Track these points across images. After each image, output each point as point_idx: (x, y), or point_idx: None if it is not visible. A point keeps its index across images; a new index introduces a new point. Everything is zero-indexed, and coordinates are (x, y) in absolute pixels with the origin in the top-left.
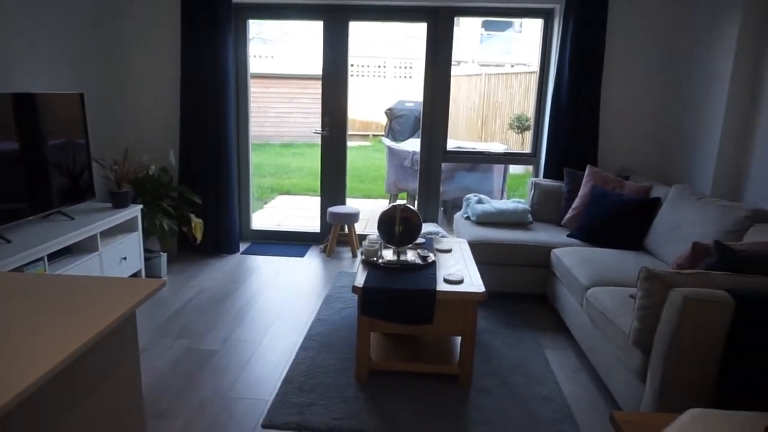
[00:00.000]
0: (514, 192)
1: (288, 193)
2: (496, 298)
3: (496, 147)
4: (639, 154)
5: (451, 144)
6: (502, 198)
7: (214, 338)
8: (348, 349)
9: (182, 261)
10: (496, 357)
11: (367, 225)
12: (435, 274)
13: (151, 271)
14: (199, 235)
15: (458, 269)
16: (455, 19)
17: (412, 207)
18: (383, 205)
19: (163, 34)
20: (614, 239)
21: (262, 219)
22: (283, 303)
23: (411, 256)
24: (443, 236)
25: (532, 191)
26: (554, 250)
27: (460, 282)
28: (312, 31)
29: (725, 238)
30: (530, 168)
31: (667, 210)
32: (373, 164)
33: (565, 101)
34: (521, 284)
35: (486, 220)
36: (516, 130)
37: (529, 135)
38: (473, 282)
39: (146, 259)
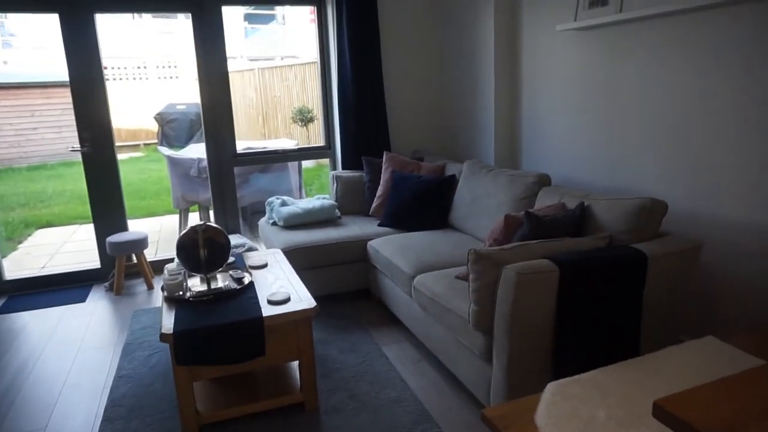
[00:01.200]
0: (310, 187)
1: (49, 225)
2: (320, 302)
3: (287, 143)
4: (428, 136)
5: (240, 145)
6: (301, 196)
7: None
8: (167, 406)
9: None
10: (337, 368)
11: (159, 248)
12: (256, 297)
13: None
14: None
15: (281, 285)
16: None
17: (214, 225)
18: (173, 222)
19: None
20: (422, 221)
21: (19, 264)
22: (67, 367)
23: (223, 280)
24: (251, 248)
25: (335, 185)
26: (370, 243)
27: (286, 301)
28: (50, 27)
29: (520, 204)
30: (322, 162)
31: (464, 185)
32: (151, 177)
33: (351, 90)
34: (343, 283)
35: (294, 222)
36: (300, 123)
37: (314, 127)
38: (301, 297)
39: None
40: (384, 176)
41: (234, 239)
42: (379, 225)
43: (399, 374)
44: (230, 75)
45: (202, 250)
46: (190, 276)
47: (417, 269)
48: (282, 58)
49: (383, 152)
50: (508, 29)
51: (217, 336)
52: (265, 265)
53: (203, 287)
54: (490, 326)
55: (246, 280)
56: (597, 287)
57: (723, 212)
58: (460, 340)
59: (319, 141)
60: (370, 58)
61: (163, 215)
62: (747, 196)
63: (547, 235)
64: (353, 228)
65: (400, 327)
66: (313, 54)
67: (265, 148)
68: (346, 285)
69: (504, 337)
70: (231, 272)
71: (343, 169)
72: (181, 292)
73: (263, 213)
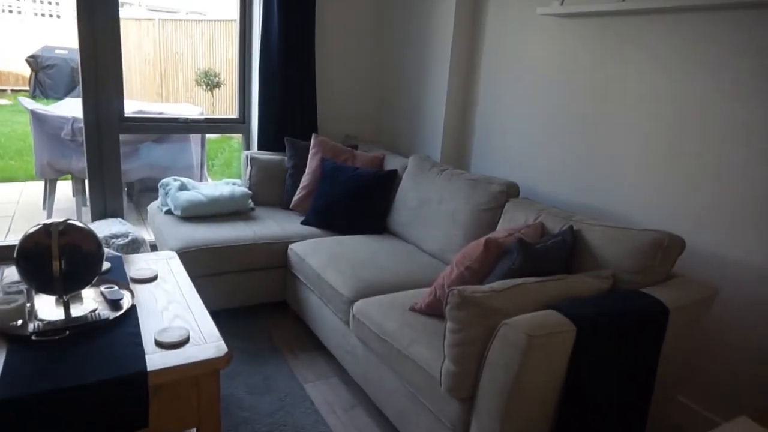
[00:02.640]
0: (213, 161)
1: None
2: (224, 318)
3: (189, 110)
4: (362, 121)
5: (130, 107)
6: (203, 176)
7: None
8: None
9: None
10: (247, 419)
11: (12, 227)
12: (139, 335)
13: None
14: None
15: (176, 314)
16: None
17: (80, 224)
18: (37, 192)
19: None
20: (355, 223)
21: None
22: None
23: (90, 303)
24: (135, 241)
25: (249, 168)
26: (291, 246)
27: (183, 342)
28: None
29: (481, 217)
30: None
31: (408, 184)
32: (15, 131)
33: (276, 59)
34: (253, 293)
35: (195, 213)
36: (204, 87)
37: (220, 93)
38: (205, 335)
39: None
40: (311, 163)
41: (113, 226)
42: (303, 223)
43: (329, 427)
44: (126, 23)
45: (57, 263)
46: (39, 294)
47: (357, 291)
48: (187, 13)
49: (311, 135)
50: (472, 9)
51: (71, 406)
52: (154, 278)
53: (58, 315)
54: (471, 393)
55: (125, 303)
56: (615, 348)
57: (729, 253)
58: (421, 400)
59: (230, 111)
60: (303, 24)
61: (25, 181)
62: (758, 237)
63: (539, 270)
64: (270, 225)
65: (327, 356)
66: (228, 11)
67: (162, 113)
68: (257, 296)
69: (495, 412)
70: (104, 289)
71: (259, 149)
72: (20, 322)
73: (154, 192)
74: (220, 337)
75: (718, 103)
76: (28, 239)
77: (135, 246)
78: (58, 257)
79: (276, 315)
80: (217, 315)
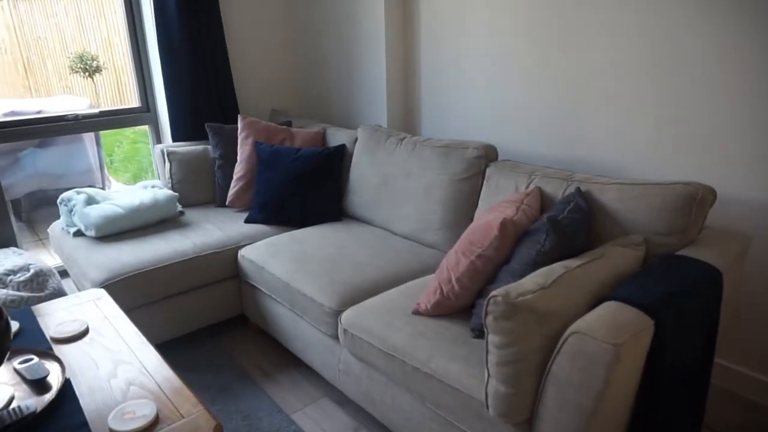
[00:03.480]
0: (111, 158)
1: None
2: (175, 350)
3: (73, 103)
4: (287, 94)
5: None
6: (104, 177)
7: None
8: None
9: None
10: None
11: None
12: (85, 423)
13: None
14: None
15: (129, 381)
16: None
17: None
18: None
19: None
20: (309, 213)
21: None
22: None
23: (2, 392)
24: (40, 274)
25: (167, 165)
26: (242, 252)
27: (152, 425)
28: None
29: (460, 187)
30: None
31: (362, 160)
32: None
33: (178, 33)
34: (205, 314)
35: (113, 229)
36: (82, 74)
37: (102, 79)
38: (178, 406)
39: None
40: (242, 150)
41: (6, 259)
42: (248, 221)
43: None
44: None
45: None
46: None
47: (341, 299)
48: None
49: (233, 117)
50: None
51: None
52: (84, 332)
53: None
54: (529, 416)
55: (54, 381)
56: (686, 330)
57: (731, 193)
58: (457, 425)
59: (118, 98)
60: None
61: None
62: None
63: (570, 249)
64: (209, 230)
65: (308, 372)
66: None
67: (40, 111)
68: (209, 316)
69: None
70: (18, 365)
71: (174, 140)
72: None
73: (50, 206)
74: (199, 402)
75: (718, 35)
76: None
77: (41, 280)
78: None
79: (236, 332)
80: (165, 347)
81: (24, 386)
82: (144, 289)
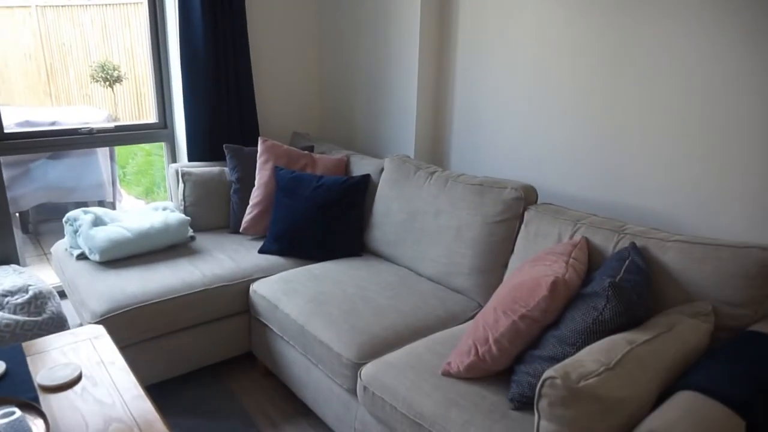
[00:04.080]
0: (124, 170)
1: None
2: (174, 389)
3: (90, 114)
4: (310, 116)
5: (12, 117)
6: (116, 192)
7: None
8: None
9: None
10: None
11: None
12: None
13: None
14: None
15: None
16: None
17: None
18: None
19: None
20: (328, 246)
21: None
22: None
23: None
24: (38, 297)
25: (181, 186)
26: (255, 287)
27: None
28: None
29: (494, 231)
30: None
31: (389, 194)
32: None
33: (203, 49)
34: (210, 352)
35: (119, 254)
36: (103, 83)
37: (122, 89)
38: None
39: None
40: (261, 175)
41: (5, 279)
42: (262, 251)
43: None
44: None
45: None
46: None
47: (360, 350)
48: None
49: (252, 139)
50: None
51: None
52: (76, 380)
53: None
54: None
55: None
56: None
57: None
58: None
59: (137, 109)
60: (230, 2)
61: None
62: None
63: (631, 318)
64: (220, 259)
65: (316, 422)
66: None
67: (55, 123)
68: (214, 353)
69: None
70: (0, 420)
71: (190, 160)
72: None
73: (58, 219)
74: None
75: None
76: None
77: (39, 303)
78: None
79: (242, 371)
80: (164, 387)
81: None
82: (146, 323)
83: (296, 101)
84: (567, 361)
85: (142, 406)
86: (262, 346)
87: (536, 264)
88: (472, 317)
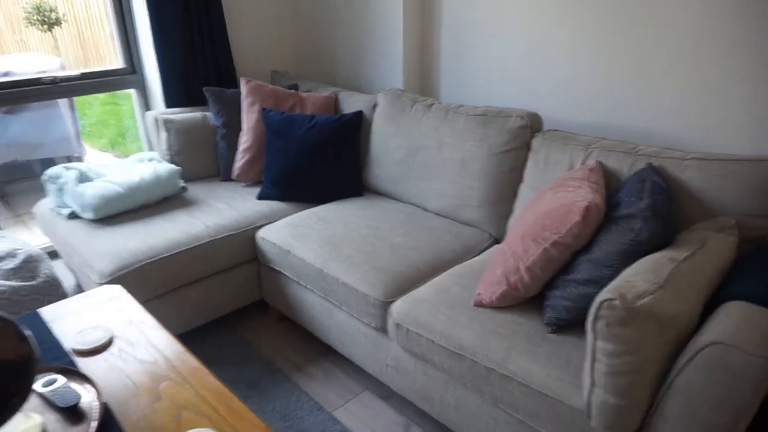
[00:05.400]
0: (82, 122)
1: None
2: (192, 341)
3: (43, 62)
4: (286, 53)
5: None
6: (80, 148)
7: None
8: None
9: None
10: None
11: None
12: None
13: None
14: None
15: (178, 402)
16: None
17: None
18: None
19: None
20: (327, 187)
21: None
22: None
23: (28, 425)
24: (28, 256)
25: (164, 135)
26: (261, 234)
27: None
28: None
29: (501, 160)
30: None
31: (386, 129)
32: None
33: None
34: (221, 303)
35: (112, 210)
36: (40, 26)
37: (62, 32)
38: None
39: None
40: (248, 118)
41: None
42: (260, 198)
43: None
44: None
45: None
46: None
47: (387, 289)
48: None
49: (230, 79)
50: None
51: None
52: (109, 343)
53: None
54: (639, 426)
55: (91, 410)
56: None
57: None
58: (539, 430)
59: (81, 54)
60: None
61: None
62: None
63: (665, 238)
64: (219, 209)
65: (342, 363)
66: None
67: (9, 73)
68: (226, 304)
69: None
70: (44, 389)
71: (168, 106)
72: None
73: (27, 180)
74: (267, 428)
75: None
76: None
77: (32, 267)
78: None
79: (255, 320)
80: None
81: (53, 414)
82: (157, 280)
83: (272, 36)
84: (616, 282)
85: (187, 360)
86: (275, 293)
87: (558, 191)
88: (487, 248)
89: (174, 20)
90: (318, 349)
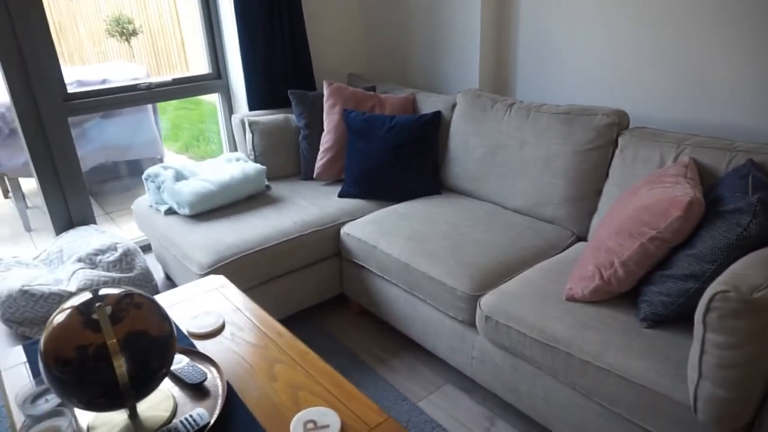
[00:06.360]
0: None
1: None
2: None
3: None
4: (361, 56)
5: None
6: (161, 150)
7: None
8: None
9: None
10: None
11: None
12: None
13: None
14: None
15: (294, 383)
16: None
17: (138, 291)
18: None
19: None
20: (407, 186)
21: None
22: None
23: (162, 401)
24: (126, 250)
25: (249, 135)
26: (345, 230)
27: None
28: None
29: (586, 158)
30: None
31: (465, 129)
32: None
33: None
34: (305, 296)
35: (206, 207)
36: (119, 38)
37: (138, 42)
38: (359, 414)
39: None
40: (329, 119)
41: (91, 238)
42: (341, 195)
43: None
44: None
45: (121, 368)
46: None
47: (474, 283)
48: None
49: (309, 82)
50: None
51: None
52: (222, 327)
53: None
54: (751, 420)
55: (216, 388)
56: None
57: None
58: (639, 424)
59: (156, 63)
60: None
61: None
62: None
63: None
64: (304, 206)
65: (423, 356)
66: None
67: (105, 80)
68: (309, 297)
69: None
70: (174, 367)
71: (251, 109)
72: None
73: (116, 180)
74: (380, 409)
75: None
76: (61, 338)
77: (129, 260)
78: (120, 360)
79: (335, 313)
80: None
81: (180, 391)
82: (250, 272)
83: (348, 41)
84: (728, 275)
85: (295, 345)
86: (357, 287)
87: (653, 187)
88: (570, 245)
89: (259, 28)
90: (398, 343)
